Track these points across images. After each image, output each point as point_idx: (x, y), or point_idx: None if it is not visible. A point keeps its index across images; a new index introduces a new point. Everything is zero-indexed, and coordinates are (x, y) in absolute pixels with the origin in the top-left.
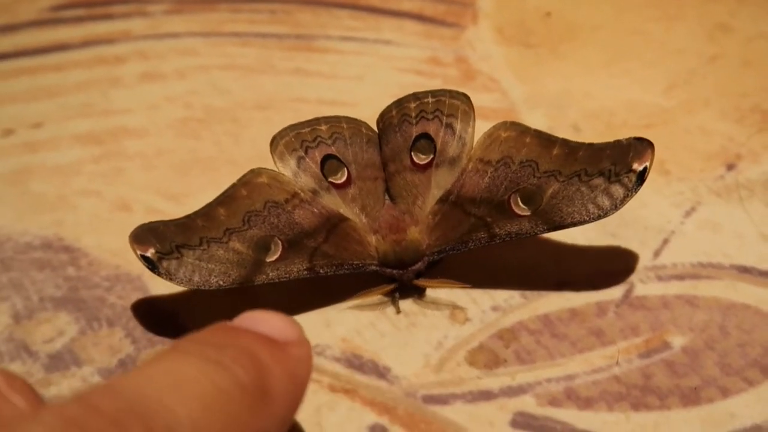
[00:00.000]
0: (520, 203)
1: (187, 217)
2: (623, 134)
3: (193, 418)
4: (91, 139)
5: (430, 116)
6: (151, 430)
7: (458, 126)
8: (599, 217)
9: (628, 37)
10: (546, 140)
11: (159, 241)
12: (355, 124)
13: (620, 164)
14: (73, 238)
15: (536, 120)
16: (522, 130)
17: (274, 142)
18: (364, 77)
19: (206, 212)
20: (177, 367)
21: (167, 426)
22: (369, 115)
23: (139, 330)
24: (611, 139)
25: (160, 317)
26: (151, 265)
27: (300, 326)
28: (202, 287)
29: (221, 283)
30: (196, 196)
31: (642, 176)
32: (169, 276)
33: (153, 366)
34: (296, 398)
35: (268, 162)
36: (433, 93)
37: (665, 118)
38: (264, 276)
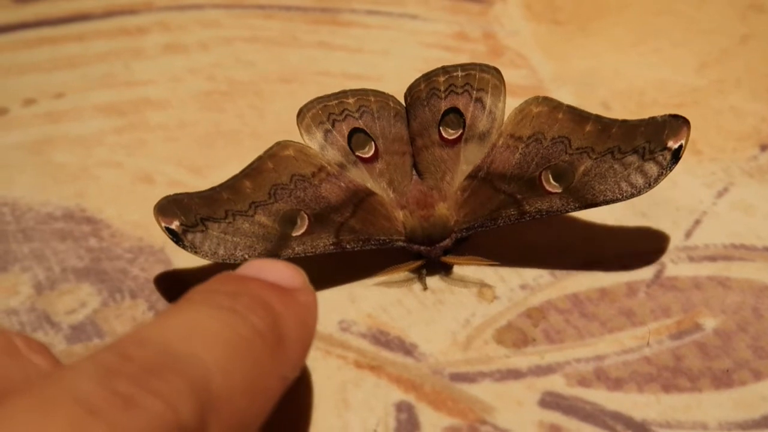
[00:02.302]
0: (552, 180)
1: (213, 189)
2: (654, 113)
3: (220, 365)
4: (113, 110)
5: (460, 90)
6: (183, 375)
7: (488, 100)
8: (632, 196)
9: (657, 15)
10: (579, 116)
11: (184, 213)
12: (382, 97)
13: (655, 142)
14: (95, 209)
15: (565, 97)
16: (554, 105)
17: (300, 114)
18: (389, 52)
19: (232, 185)
20: (196, 316)
21: (198, 373)
22: (394, 89)
23: (162, 302)
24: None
25: (183, 289)
26: (176, 237)
27: (304, 274)
28: (228, 261)
29: (246, 256)
30: (219, 169)
31: (677, 154)
32: (194, 249)
33: (173, 316)
34: (306, 344)
35: (291, 135)
36: (463, 66)
37: (696, 98)
38: (290, 250)
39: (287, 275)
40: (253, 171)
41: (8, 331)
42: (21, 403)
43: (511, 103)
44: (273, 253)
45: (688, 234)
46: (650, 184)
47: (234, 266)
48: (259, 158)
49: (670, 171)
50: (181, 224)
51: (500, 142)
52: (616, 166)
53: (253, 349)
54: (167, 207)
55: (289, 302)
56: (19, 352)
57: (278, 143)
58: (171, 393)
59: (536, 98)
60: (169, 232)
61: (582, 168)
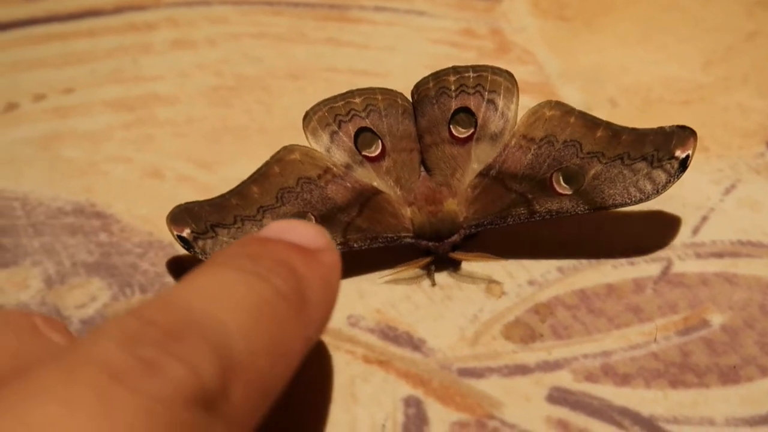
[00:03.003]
0: (562, 182)
1: (221, 196)
2: (661, 110)
3: (242, 329)
4: (122, 106)
5: (471, 91)
6: (205, 339)
7: (500, 102)
8: (640, 201)
9: (663, 12)
10: (590, 122)
11: (194, 221)
12: (390, 95)
13: (663, 150)
14: (105, 204)
15: (572, 94)
16: (566, 110)
17: (306, 117)
18: (396, 48)
19: (240, 191)
20: (219, 280)
21: (219, 336)
22: (401, 85)
23: None
24: (650, 115)
25: None
26: (187, 245)
27: (327, 233)
28: None
29: None
30: (228, 164)
31: (684, 163)
32: (204, 255)
33: (196, 280)
34: (330, 304)
35: (299, 131)
36: (474, 68)
37: (703, 95)
38: None
39: (310, 235)
40: (260, 176)
41: (29, 311)
42: (44, 372)
43: (520, 100)
44: None
45: (696, 230)
46: (658, 191)
47: None
48: (266, 163)
49: (678, 179)
50: (192, 231)
51: (512, 143)
52: (625, 171)
53: (277, 311)
54: (179, 216)
55: (312, 263)
56: (39, 331)
57: (284, 147)
58: (193, 357)
59: (549, 102)
60: (181, 240)
61: (592, 172)
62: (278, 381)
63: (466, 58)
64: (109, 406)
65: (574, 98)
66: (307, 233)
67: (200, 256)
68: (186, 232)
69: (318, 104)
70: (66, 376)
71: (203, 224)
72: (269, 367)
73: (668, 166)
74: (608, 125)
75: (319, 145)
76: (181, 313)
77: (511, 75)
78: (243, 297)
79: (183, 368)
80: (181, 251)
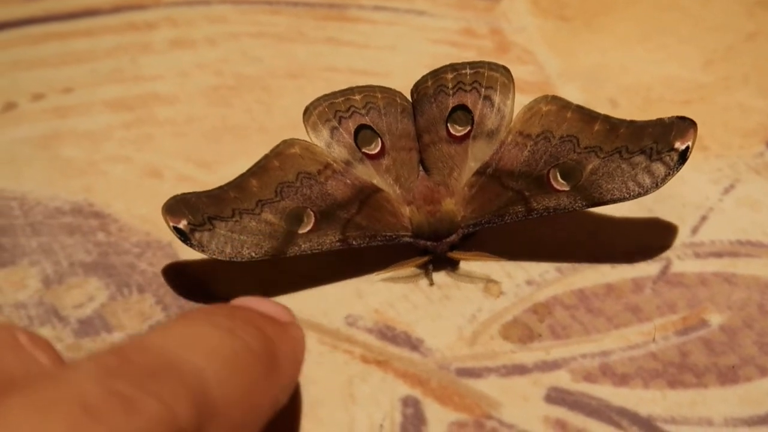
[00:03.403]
0: (559, 178)
1: (220, 188)
2: (661, 109)
3: (218, 376)
4: (122, 105)
5: (468, 88)
6: (183, 380)
7: (497, 98)
8: (639, 195)
9: (663, 12)
10: (587, 116)
11: (191, 212)
12: (389, 93)
13: (662, 143)
14: (103, 204)
15: (572, 93)
16: (563, 104)
17: (307, 112)
18: (396, 47)
19: (238, 183)
20: (195, 330)
21: (197, 381)
22: (401, 85)
23: (169, 296)
24: (650, 115)
25: (190, 284)
26: (184, 236)
27: (292, 311)
28: (235, 259)
29: (253, 254)
30: (227, 163)
31: (684, 155)
32: (201, 247)
33: (172, 329)
34: (296, 374)
35: (299, 131)
36: (471, 64)
37: (703, 94)
38: (296, 247)
39: (279, 311)
40: (259, 169)
41: (13, 326)
42: (20, 401)
43: (519, 100)
44: (279, 251)
45: (695, 230)
46: (657, 184)
47: (240, 264)
48: (266, 157)
49: (677, 171)
50: (189, 223)
51: (509, 140)
52: (623, 165)
53: (250, 366)
54: (175, 206)
55: (281, 332)
56: (22, 348)
57: (284, 141)
58: (170, 396)
59: (545, 97)
60: (177, 231)
61: (590, 167)
62: None
63: (466, 57)
64: None
65: (575, 98)
66: (275, 308)
67: (197, 249)
68: (183, 224)
69: (318, 99)
70: (41, 407)
71: (200, 216)
72: (241, 417)
73: (667, 158)
74: (606, 118)
75: (320, 140)
76: (159, 355)
77: (507, 70)
78: (219, 347)
79: (159, 406)
80: (180, 251)
